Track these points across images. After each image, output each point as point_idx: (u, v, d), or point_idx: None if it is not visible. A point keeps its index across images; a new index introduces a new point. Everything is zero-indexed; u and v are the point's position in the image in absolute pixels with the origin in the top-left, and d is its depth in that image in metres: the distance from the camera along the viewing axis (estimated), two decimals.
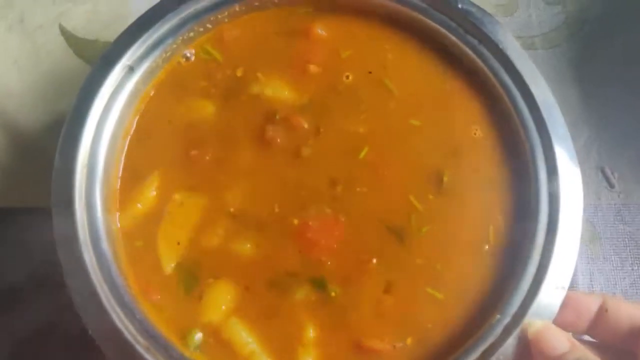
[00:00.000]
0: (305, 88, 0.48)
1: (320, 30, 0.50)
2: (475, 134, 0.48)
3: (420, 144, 0.48)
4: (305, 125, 0.47)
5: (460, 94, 0.49)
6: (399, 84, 0.49)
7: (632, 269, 0.54)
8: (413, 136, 0.48)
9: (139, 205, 0.46)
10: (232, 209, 0.46)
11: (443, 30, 0.49)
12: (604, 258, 0.54)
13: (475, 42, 0.49)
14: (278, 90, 0.48)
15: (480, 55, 0.48)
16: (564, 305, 0.42)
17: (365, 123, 0.48)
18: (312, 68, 0.49)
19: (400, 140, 0.48)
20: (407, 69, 0.49)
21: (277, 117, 0.47)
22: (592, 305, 0.42)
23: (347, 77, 0.49)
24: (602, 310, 0.42)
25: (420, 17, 0.49)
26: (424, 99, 0.49)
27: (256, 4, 0.50)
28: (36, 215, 0.52)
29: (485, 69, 0.48)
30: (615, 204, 0.56)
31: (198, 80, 0.48)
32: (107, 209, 0.45)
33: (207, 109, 0.48)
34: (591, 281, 0.53)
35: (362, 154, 0.47)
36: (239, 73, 0.48)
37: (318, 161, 0.47)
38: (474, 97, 0.49)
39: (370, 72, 0.49)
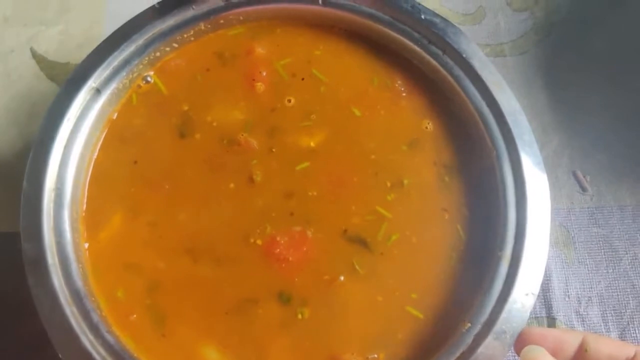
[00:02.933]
0: (255, 108, 0.49)
1: (260, 48, 0.50)
2: (427, 127, 0.48)
3: (371, 141, 0.48)
4: (256, 146, 0.48)
5: (410, 91, 0.50)
6: (333, 76, 0.50)
7: (607, 272, 0.54)
8: (363, 133, 0.49)
9: (103, 230, 0.46)
10: (193, 237, 0.46)
11: (406, 41, 0.49)
12: (579, 262, 0.54)
13: (439, 52, 0.49)
14: (228, 115, 0.49)
15: (444, 65, 0.49)
16: (543, 342, 0.41)
17: (315, 131, 0.48)
18: (259, 86, 0.49)
19: (353, 141, 0.48)
20: (338, 64, 0.51)
21: (225, 141, 0.48)
22: (571, 343, 0.42)
23: (289, 100, 0.49)
24: (582, 350, 0.41)
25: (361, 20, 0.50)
26: (363, 91, 0.50)
27: (221, 21, 0.50)
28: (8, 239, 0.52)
29: (449, 77, 0.48)
30: (588, 208, 0.56)
31: (150, 111, 0.49)
32: (76, 232, 0.45)
33: (162, 140, 0.48)
34: (567, 285, 0.53)
35: (315, 166, 0.48)
36: (186, 106, 0.49)
37: (273, 180, 0.47)
38: (424, 93, 0.50)
39: (302, 79, 0.50)
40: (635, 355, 0.40)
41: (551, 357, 0.40)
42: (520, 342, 0.42)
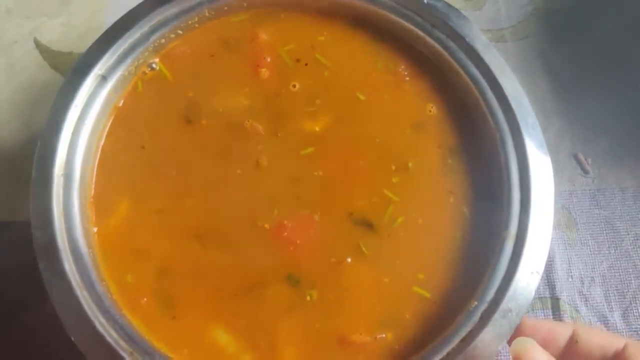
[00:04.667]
0: (259, 93, 0.49)
1: (264, 34, 0.51)
2: (430, 111, 0.49)
3: (375, 125, 0.49)
4: (262, 131, 0.48)
5: (413, 75, 0.50)
6: (337, 61, 0.50)
7: (609, 252, 0.54)
8: (367, 118, 0.49)
9: (112, 215, 0.46)
10: (201, 222, 0.46)
11: (409, 25, 0.50)
12: (582, 243, 0.55)
13: (443, 36, 0.49)
14: (234, 101, 0.49)
15: (447, 49, 0.49)
16: (535, 333, 0.42)
17: (319, 116, 0.49)
18: (263, 72, 0.49)
19: (357, 125, 0.49)
20: (342, 49, 0.51)
21: (231, 127, 0.48)
22: (562, 335, 0.43)
23: (294, 86, 0.50)
24: (573, 341, 0.42)
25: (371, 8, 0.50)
26: (366, 76, 0.50)
27: (225, 8, 0.51)
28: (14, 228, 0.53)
29: (453, 61, 0.49)
30: (590, 190, 0.56)
31: (156, 97, 0.49)
32: (85, 217, 0.45)
33: (168, 126, 0.49)
34: (570, 266, 0.54)
35: (321, 150, 0.48)
36: (191, 93, 0.49)
37: (279, 165, 0.47)
38: (428, 77, 0.50)
39: (306, 64, 0.50)
40: (625, 347, 0.41)
41: (541, 349, 0.41)
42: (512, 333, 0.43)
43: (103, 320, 0.42)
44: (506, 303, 0.42)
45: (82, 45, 0.60)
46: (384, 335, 0.44)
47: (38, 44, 0.61)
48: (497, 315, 0.42)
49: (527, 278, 0.43)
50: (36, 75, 0.60)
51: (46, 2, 0.63)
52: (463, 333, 0.42)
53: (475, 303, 0.43)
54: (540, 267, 0.44)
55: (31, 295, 0.49)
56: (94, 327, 0.41)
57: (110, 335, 0.41)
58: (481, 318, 0.42)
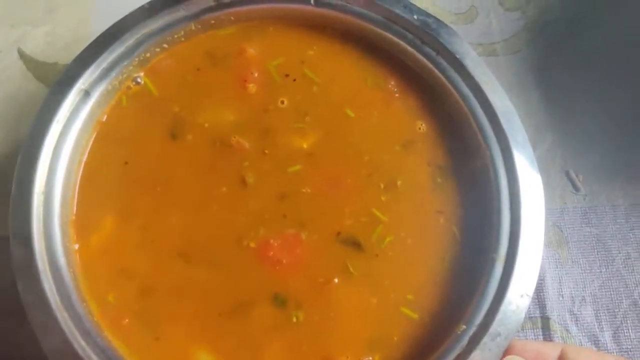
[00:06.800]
0: (247, 109, 0.48)
1: (252, 48, 0.50)
2: (420, 128, 0.48)
3: (364, 142, 0.48)
4: (249, 147, 0.47)
5: (403, 91, 0.49)
6: (326, 77, 0.50)
7: (601, 271, 0.54)
8: (356, 134, 0.48)
9: (94, 234, 0.45)
10: (185, 240, 0.45)
11: (399, 41, 0.49)
12: (573, 262, 0.54)
13: (433, 53, 0.49)
14: (220, 117, 0.48)
15: (437, 65, 0.48)
16: (523, 354, 0.42)
17: (308, 132, 0.48)
18: (251, 87, 0.49)
19: (346, 142, 0.48)
20: (331, 65, 0.50)
21: (217, 143, 0.47)
22: (551, 355, 0.42)
23: (282, 102, 0.49)
24: None
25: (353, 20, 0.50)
26: (356, 92, 0.49)
27: (212, 21, 0.50)
28: None
29: (443, 78, 0.48)
30: (581, 207, 0.56)
31: (140, 112, 0.48)
32: (66, 236, 0.44)
33: (152, 141, 0.48)
34: (560, 285, 0.53)
35: (309, 167, 0.47)
36: (177, 108, 0.48)
37: (266, 182, 0.47)
38: (417, 94, 0.49)
39: (294, 79, 0.49)
40: None
41: None
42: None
43: (83, 343, 0.41)
44: (495, 327, 0.42)
45: (67, 56, 0.60)
46: (370, 358, 0.43)
47: (22, 54, 0.60)
48: (485, 339, 0.42)
49: (517, 301, 0.43)
50: (20, 86, 0.59)
51: (31, 10, 0.62)
52: (451, 356, 0.42)
53: (464, 326, 0.42)
54: (530, 290, 0.43)
55: (11, 314, 0.48)
56: (74, 350, 0.40)
57: (91, 358, 0.40)
58: (469, 342, 0.42)
